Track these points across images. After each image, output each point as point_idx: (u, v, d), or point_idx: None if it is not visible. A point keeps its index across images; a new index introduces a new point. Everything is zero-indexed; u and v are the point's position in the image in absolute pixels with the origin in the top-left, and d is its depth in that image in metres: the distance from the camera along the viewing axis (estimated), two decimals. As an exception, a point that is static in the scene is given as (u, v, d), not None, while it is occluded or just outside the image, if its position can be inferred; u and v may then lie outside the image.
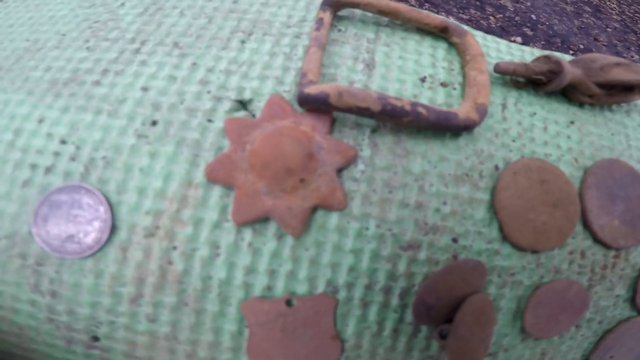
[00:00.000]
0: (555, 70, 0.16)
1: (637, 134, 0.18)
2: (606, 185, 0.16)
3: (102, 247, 0.13)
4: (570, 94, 0.17)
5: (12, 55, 0.17)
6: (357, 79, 0.15)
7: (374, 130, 0.14)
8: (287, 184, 0.13)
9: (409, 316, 0.14)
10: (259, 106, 0.14)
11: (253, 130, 0.13)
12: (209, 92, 0.14)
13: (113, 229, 0.13)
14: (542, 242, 0.15)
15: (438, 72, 0.16)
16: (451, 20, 0.18)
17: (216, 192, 0.14)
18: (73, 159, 0.14)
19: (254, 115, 0.14)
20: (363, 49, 0.16)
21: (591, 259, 0.16)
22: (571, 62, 0.17)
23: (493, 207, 0.15)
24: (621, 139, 0.18)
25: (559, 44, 0.62)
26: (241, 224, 0.13)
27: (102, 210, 0.13)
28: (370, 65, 0.15)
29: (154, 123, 0.14)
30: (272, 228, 0.14)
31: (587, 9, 0.80)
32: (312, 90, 0.13)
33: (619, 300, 0.17)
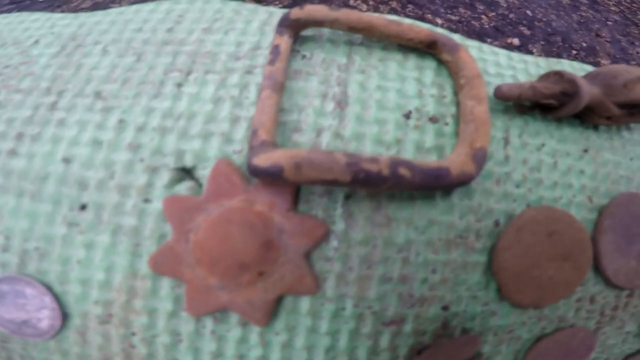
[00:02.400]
0: (569, 91, 0.13)
1: (663, 153, 0.16)
2: (624, 225, 0.15)
3: (58, 331, 0.13)
4: (585, 116, 0.15)
5: None
6: (326, 124, 0.12)
7: (348, 197, 0.12)
8: (243, 279, 0.11)
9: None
10: (203, 174, 0.12)
11: (196, 214, 0.11)
12: (142, 160, 0.12)
13: (65, 315, 0.12)
14: (547, 298, 0.14)
15: (426, 102, 0.13)
16: (439, 31, 0.15)
17: (166, 283, 0.12)
18: (5, 249, 0.12)
19: (201, 185, 0.12)
20: (333, 81, 0.13)
21: (601, 302, 0.15)
22: (588, 77, 0.14)
23: (491, 269, 0.13)
24: (644, 164, 0.15)
25: (560, 43, 0.55)
26: (197, 317, 0.12)
27: (48, 300, 0.12)
28: (342, 103, 0.13)
29: (83, 207, 0.12)
30: (234, 316, 0.12)
31: (584, 0, 0.71)
32: (261, 162, 0.11)
33: (629, 336, 0.17)
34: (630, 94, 0.14)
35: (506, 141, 0.13)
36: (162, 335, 0.12)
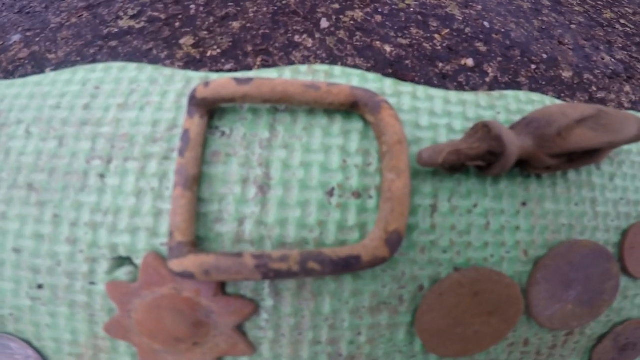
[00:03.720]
0: (496, 150, 0.13)
1: (607, 192, 0.16)
2: (560, 274, 0.15)
3: None
4: (522, 168, 0.15)
5: None
6: (249, 212, 0.13)
7: (272, 276, 0.14)
8: (181, 348, 0.13)
9: None
10: (136, 264, 0.14)
11: (134, 297, 0.13)
12: (81, 251, 0.14)
13: None
14: (473, 349, 0.15)
15: (350, 174, 0.14)
16: (370, 78, 0.15)
17: (122, 343, 0.14)
18: None
19: (137, 268, 0.14)
20: (255, 161, 0.14)
21: (537, 344, 0.16)
22: (520, 125, 0.14)
23: (414, 328, 0.14)
24: (586, 209, 0.16)
25: (518, 58, 0.49)
26: (152, 380, 0.14)
27: (30, 352, 0.15)
28: (264, 188, 0.14)
29: (41, 287, 0.14)
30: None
31: (546, 2, 0.61)
32: (175, 267, 0.12)
33: (571, 366, 0.18)
34: (566, 144, 0.14)
35: (434, 209, 0.14)
36: None
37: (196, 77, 0.15)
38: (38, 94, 0.15)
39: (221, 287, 0.13)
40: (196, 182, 0.13)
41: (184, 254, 0.12)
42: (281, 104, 0.14)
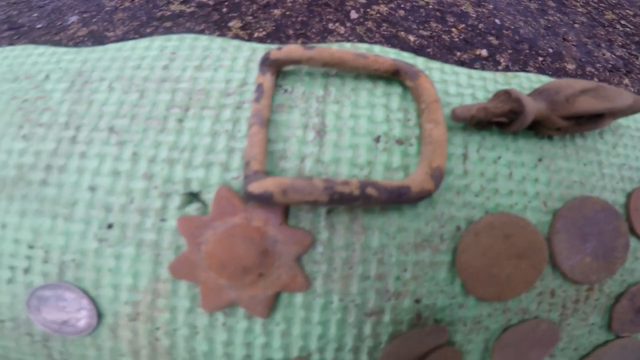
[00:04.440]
0: (517, 110, 0.16)
1: (611, 157, 0.19)
2: (577, 226, 0.17)
3: (94, 329, 0.16)
4: (537, 129, 0.17)
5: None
6: (308, 152, 0.16)
7: (329, 211, 0.15)
8: (246, 280, 0.15)
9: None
10: (208, 197, 0.15)
11: (205, 230, 0.15)
12: (155, 187, 0.16)
13: (99, 315, 0.16)
14: (507, 292, 0.17)
15: (393, 126, 0.16)
16: (405, 56, 0.18)
17: (183, 284, 0.16)
18: (45, 261, 0.16)
19: (206, 205, 0.15)
20: (313, 112, 0.16)
21: (562, 296, 0.18)
22: (534, 94, 0.17)
23: (454, 268, 0.16)
24: (594, 169, 0.18)
25: (527, 51, 0.59)
26: (211, 312, 0.15)
27: (85, 302, 0.16)
28: (321, 132, 0.16)
29: (110, 226, 0.16)
30: (241, 311, 0.15)
31: (552, 3, 0.75)
32: (255, 189, 0.14)
33: (594, 327, 0.19)
34: (573, 108, 0.17)
35: (465, 157, 0.16)
36: (181, 328, 0.15)
37: (260, 47, 0.18)
38: (119, 57, 0.18)
39: (285, 218, 0.15)
40: (268, 123, 0.15)
41: (263, 178, 0.14)
42: (334, 69, 0.17)
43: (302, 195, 0.14)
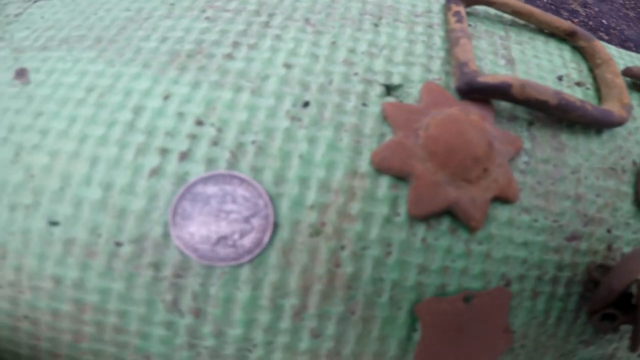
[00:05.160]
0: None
1: None
2: None
3: (263, 250, 0.12)
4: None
5: (112, 26, 0.16)
6: (502, 73, 0.16)
7: (530, 123, 0.15)
8: (472, 174, 0.13)
9: (571, 304, 0.15)
10: (408, 92, 0.15)
11: (421, 116, 0.14)
12: (356, 74, 0.15)
13: (275, 227, 0.12)
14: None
15: (570, 72, 0.18)
16: (577, 27, 0.21)
17: (384, 182, 0.13)
18: (215, 143, 0.13)
19: (409, 95, 0.15)
20: (499, 45, 0.17)
21: None
22: None
23: (637, 201, 0.16)
24: None
25: (634, 49, 0.73)
26: (419, 218, 0.13)
27: (262, 204, 0.12)
28: (510, 61, 0.17)
29: (306, 104, 0.14)
30: (446, 222, 0.14)
31: None
32: (490, 79, 0.13)
33: None
34: None
35: (631, 106, 0.17)
36: (372, 246, 0.13)
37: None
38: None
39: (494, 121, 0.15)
40: (471, 41, 0.16)
41: (487, 75, 0.14)
42: (522, 18, 0.18)
43: (537, 93, 0.14)
